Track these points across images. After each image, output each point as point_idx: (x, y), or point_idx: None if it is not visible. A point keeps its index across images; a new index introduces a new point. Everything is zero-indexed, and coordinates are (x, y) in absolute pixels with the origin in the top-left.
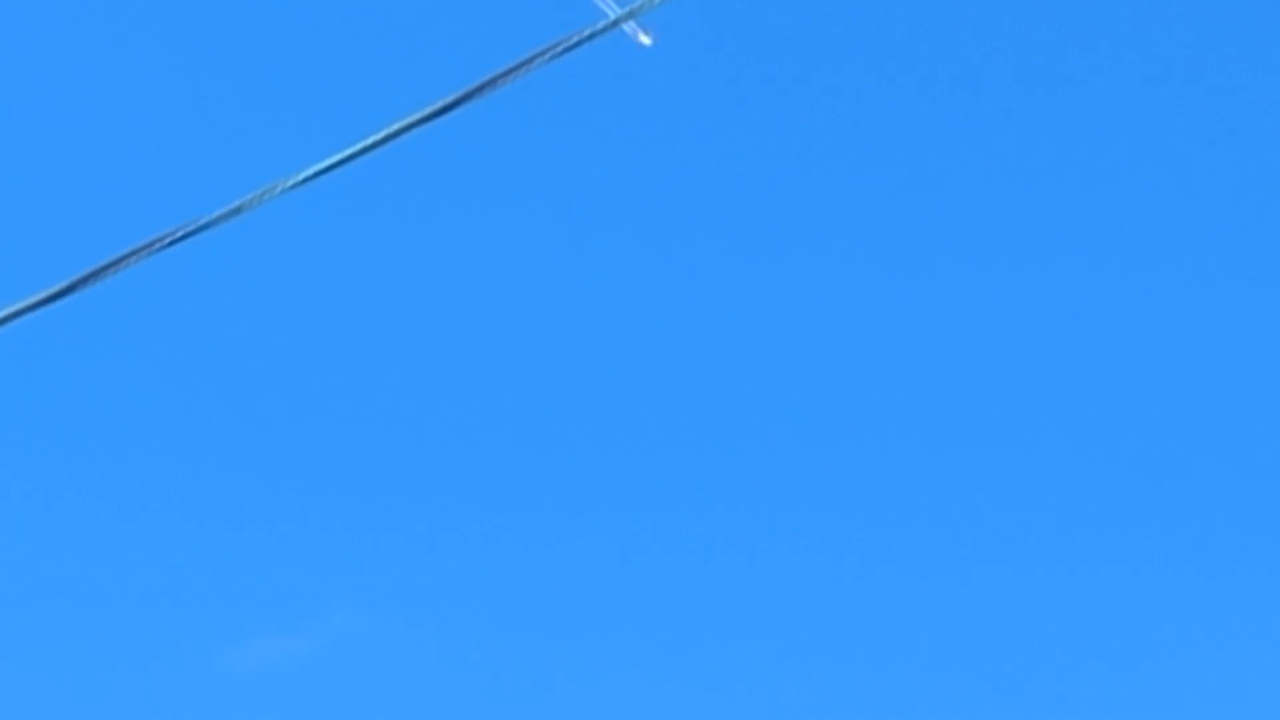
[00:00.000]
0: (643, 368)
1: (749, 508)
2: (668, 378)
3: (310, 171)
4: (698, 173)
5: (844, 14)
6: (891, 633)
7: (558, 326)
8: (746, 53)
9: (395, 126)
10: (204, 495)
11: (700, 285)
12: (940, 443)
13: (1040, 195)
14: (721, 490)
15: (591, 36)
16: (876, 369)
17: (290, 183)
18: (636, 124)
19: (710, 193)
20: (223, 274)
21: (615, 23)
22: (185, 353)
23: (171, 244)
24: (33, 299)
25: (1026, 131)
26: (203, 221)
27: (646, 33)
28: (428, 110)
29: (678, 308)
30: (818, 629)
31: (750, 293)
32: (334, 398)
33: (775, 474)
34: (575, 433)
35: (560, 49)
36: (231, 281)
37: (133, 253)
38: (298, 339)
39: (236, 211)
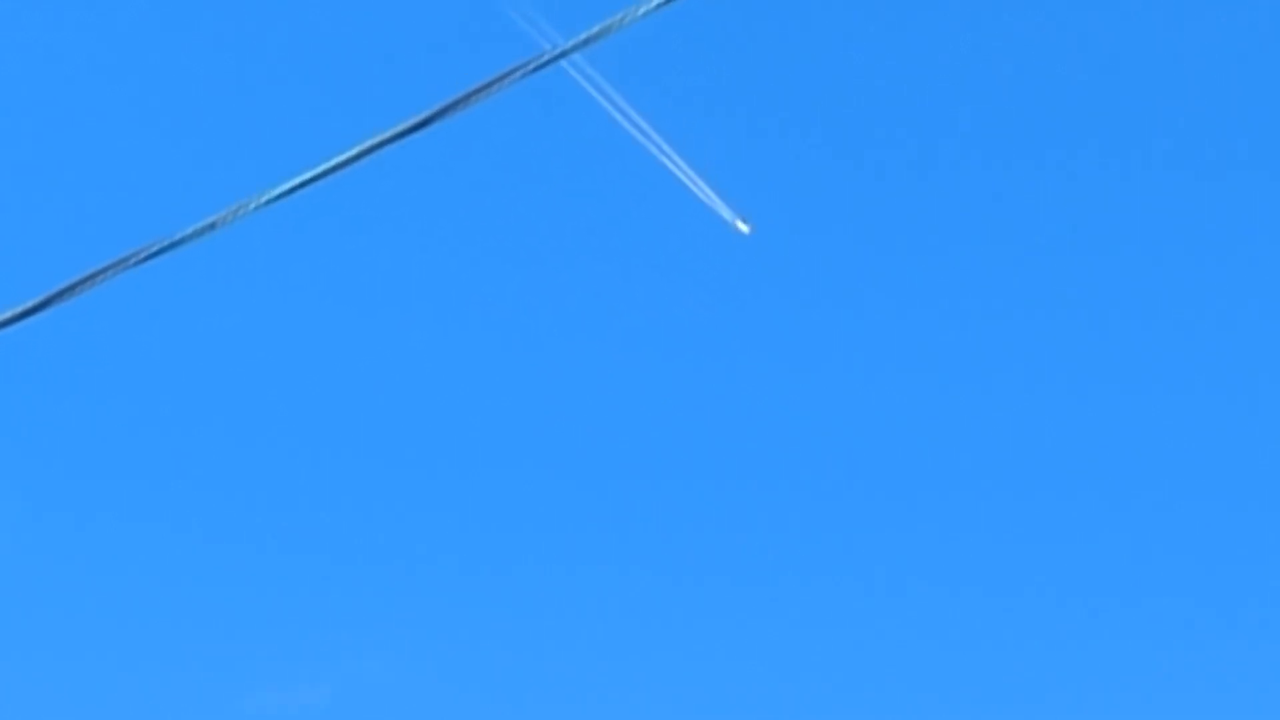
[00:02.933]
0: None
1: (785, 562)
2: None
3: (283, 188)
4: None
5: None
6: (892, 632)
7: (560, 341)
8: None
9: (369, 143)
10: (204, 534)
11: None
12: (941, 439)
13: None
14: (756, 547)
15: (533, 66)
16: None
17: (263, 199)
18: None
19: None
20: (196, 290)
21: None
22: (160, 369)
23: (145, 260)
24: (5, 315)
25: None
26: (176, 238)
27: (746, 221)
28: (401, 127)
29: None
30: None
31: None
32: (330, 423)
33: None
34: (598, 475)
35: (517, 73)
36: (204, 298)
37: (106, 269)
38: (276, 354)
39: (210, 228)
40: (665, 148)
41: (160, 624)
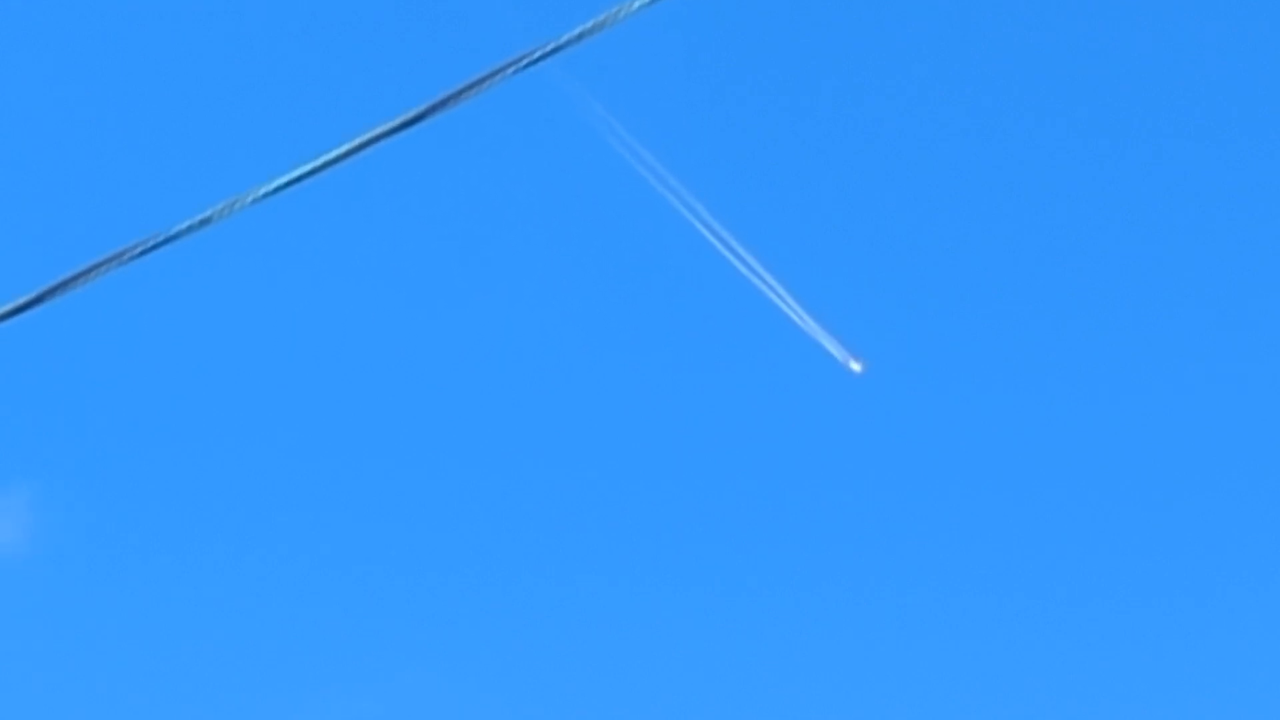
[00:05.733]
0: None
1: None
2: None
3: (278, 183)
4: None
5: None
6: (890, 631)
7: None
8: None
9: (362, 138)
10: (260, 547)
11: None
12: (939, 437)
13: None
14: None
15: (509, 67)
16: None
17: (257, 194)
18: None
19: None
20: (192, 283)
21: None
22: (156, 363)
23: (141, 254)
24: (1, 309)
25: None
26: (171, 232)
27: (858, 360)
28: (395, 121)
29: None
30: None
31: None
32: (349, 424)
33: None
34: (631, 495)
35: (508, 69)
36: (200, 291)
37: (102, 263)
38: (273, 349)
39: (205, 222)
40: (778, 288)
41: (223, 633)
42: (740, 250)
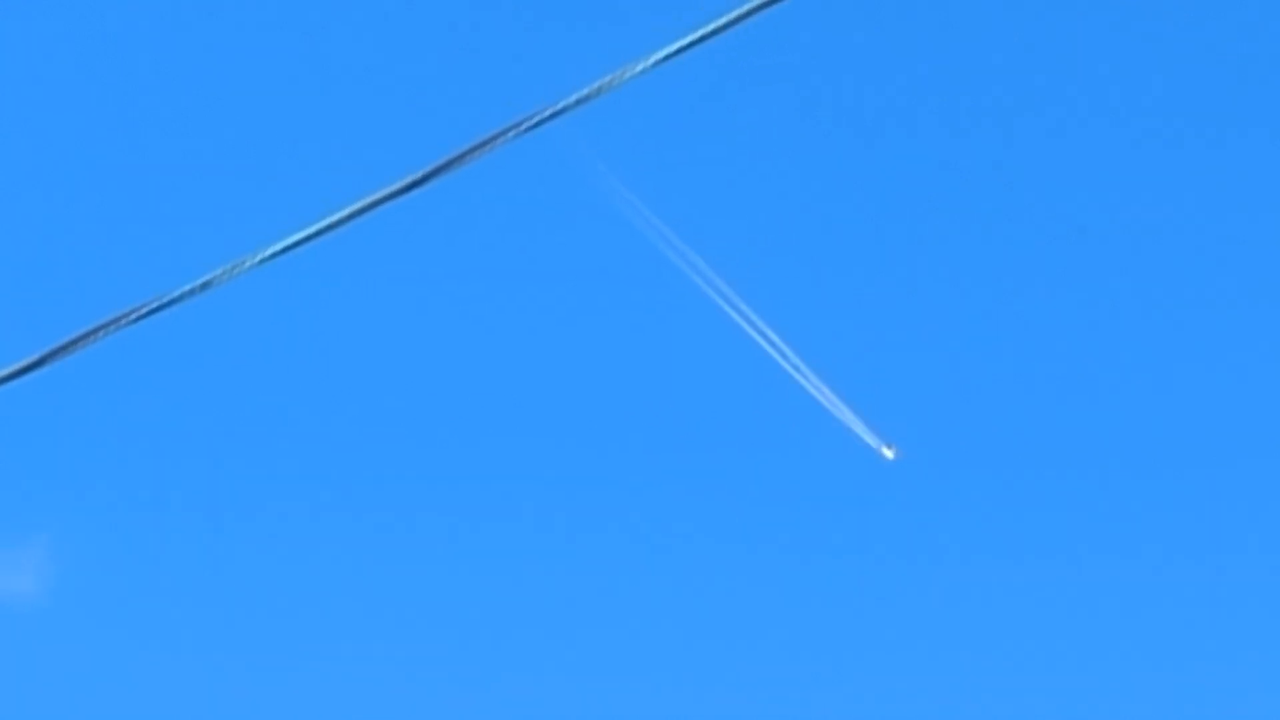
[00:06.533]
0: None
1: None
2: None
3: (278, 247)
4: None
5: None
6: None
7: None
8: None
9: (362, 203)
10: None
11: None
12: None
13: None
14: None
15: (540, 121)
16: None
17: (258, 258)
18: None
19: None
20: (191, 348)
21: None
22: (155, 426)
23: (140, 319)
24: (3, 371)
25: None
26: (171, 296)
27: (890, 447)
28: (395, 186)
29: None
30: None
31: None
32: (315, 486)
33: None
34: (659, 582)
35: (523, 126)
36: (199, 355)
37: (101, 327)
38: (282, 402)
39: (205, 286)
40: (810, 375)
41: (242, 681)
42: (769, 333)
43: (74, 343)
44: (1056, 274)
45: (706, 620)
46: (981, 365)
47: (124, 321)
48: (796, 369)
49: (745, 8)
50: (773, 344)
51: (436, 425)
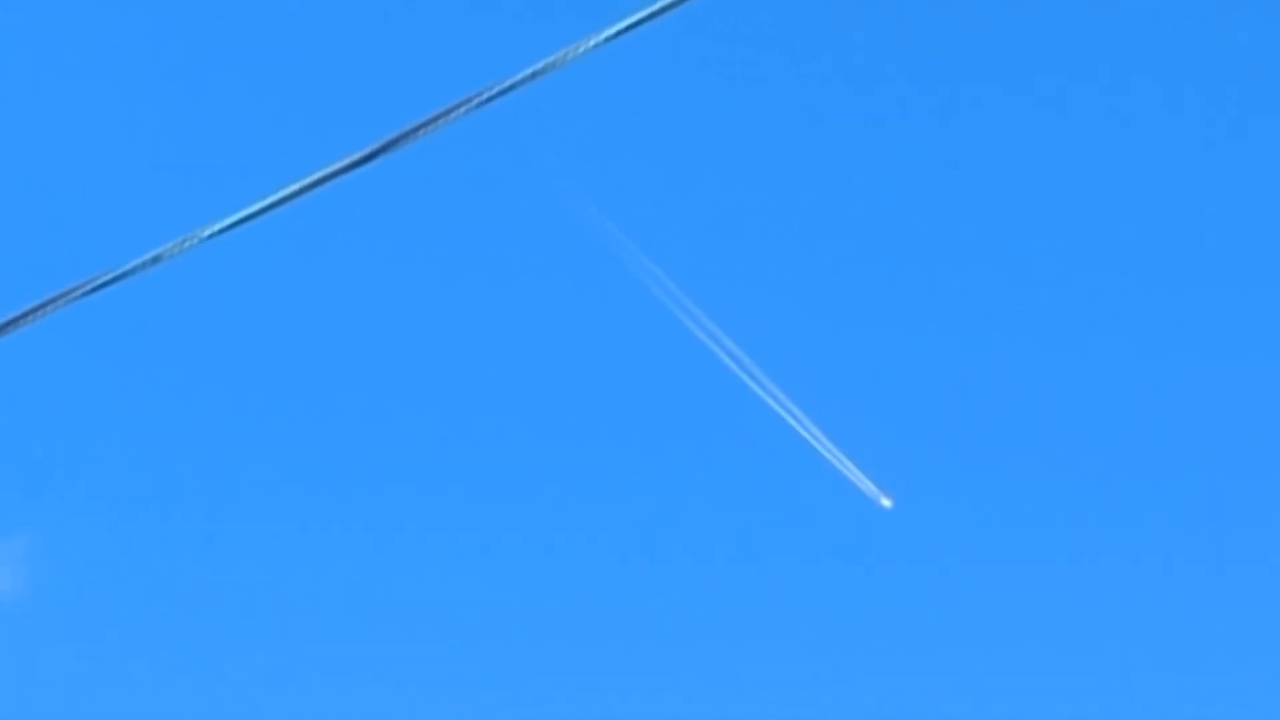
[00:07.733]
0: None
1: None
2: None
3: (230, 220)
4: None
5: None
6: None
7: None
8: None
9: (314, 176)
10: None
11: None
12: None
13: None
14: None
15: (511, 87)
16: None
17: (209, 231)
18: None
19: None
20: (141, 321)
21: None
22: (104, 402)
23: (91, 291)
24: None
25: None
26: (122, 270)
27: (888, 495)
28: (346, 160)
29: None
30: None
31: None
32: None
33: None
34: (653, 636)
35: (483, 98)
36: (149, 329)
37: (51, 300)
38: (222, 388)
39: (156, 260)
40: (807, 423)
41: (228, 679)
42: (765, 381)
43: (24, 316)
44: (1059, 320)
45: (698, 670)
46: (982, 414)
47: (75, 295)
48: (793, 415)
49: None
50: (768, 390)
51: (400, 401)
